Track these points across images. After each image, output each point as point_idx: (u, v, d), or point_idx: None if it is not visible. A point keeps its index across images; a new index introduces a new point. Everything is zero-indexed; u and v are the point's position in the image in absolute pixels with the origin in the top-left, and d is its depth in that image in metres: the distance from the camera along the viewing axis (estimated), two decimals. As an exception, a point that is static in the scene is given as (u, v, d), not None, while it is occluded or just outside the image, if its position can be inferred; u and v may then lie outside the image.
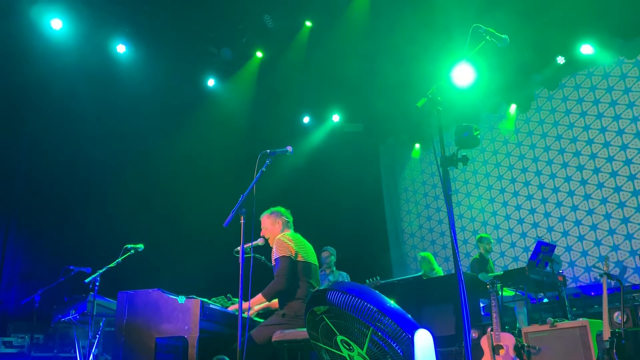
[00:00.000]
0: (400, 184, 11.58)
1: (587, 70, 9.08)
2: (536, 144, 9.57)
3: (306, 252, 4.38)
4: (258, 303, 4.31)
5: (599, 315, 5.54)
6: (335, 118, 10.66)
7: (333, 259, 7.72)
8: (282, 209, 4.63)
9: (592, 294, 7.47)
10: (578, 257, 8.79)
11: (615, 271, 8.17)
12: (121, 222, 7.70)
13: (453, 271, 3.71)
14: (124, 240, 5.42)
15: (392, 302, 2.77)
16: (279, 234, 4.43)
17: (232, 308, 4.39)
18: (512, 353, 5.38)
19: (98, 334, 5.40)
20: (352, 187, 10.43)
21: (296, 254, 4.28)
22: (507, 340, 5.43)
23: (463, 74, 3.07)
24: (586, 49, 8.54)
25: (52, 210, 7.57)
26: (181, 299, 3.94)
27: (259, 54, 9.11)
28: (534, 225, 9.36)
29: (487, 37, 3.08)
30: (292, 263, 4.23)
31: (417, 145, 11.15)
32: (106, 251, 5.58)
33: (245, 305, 3.87)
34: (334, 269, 7.70)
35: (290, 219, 4.62)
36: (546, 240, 8.61)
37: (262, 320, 4.40)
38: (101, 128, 7.91)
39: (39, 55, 7.46)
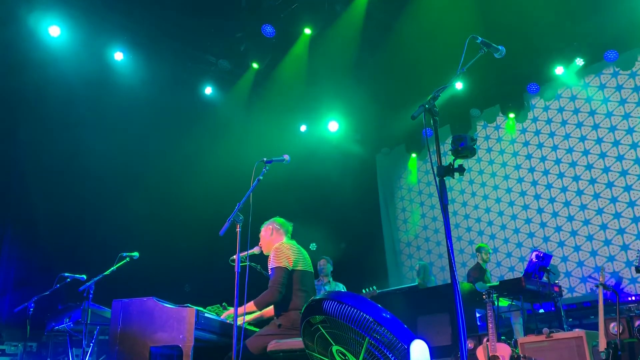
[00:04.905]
0: (397, 194, 11.58)
1: (583, 81, 9.14)
2: (532, 154, 9.59)
3: (304, 259, 4.40)
4: (250, 311, 4.30)
5: (595, 326, 5.53)
6: (332, 127, 10.66)
7: (330, 268, 7.71)
8: (281, 220, 4.64)
9: (588, 304, 7.47)
10: (574, 267, 8.79)
11: (611, 282, 8.18)
12: (116, 230, 7.67)
13: (449, 281, 3.70)
14: (119, 248, 5.39)
15: (388, 312, 2.76)
16: (277, 243, 4.43)
17: (225, 315, 4.37)
18: (508, 364, 5.36)
19: (92, 343, 5.35)
20: (348, 197, 10.42)
21: (294, 262, 4.28)
22: (503, 350, 5.41)
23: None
24: (582, 60, 8.59)
25: (47, 218, 7.53)
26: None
27: (255, 65, 9.11)
28: (530, 235, 9.37)
29: (484, 48, 3.10)
30: (287, 274, 4.22)
31: (414, 155, 11.19)
32: (101, 259, 5.55)
33: (240, 310, 3.86)
34: (331, 278, 7.68)
35: (289, 229, 4.63)
36: (542, 250, 8.60)
37: (257, 330, 4.38)
38: (98, 135, 7.89)
39: (37, 62, 7.45)
